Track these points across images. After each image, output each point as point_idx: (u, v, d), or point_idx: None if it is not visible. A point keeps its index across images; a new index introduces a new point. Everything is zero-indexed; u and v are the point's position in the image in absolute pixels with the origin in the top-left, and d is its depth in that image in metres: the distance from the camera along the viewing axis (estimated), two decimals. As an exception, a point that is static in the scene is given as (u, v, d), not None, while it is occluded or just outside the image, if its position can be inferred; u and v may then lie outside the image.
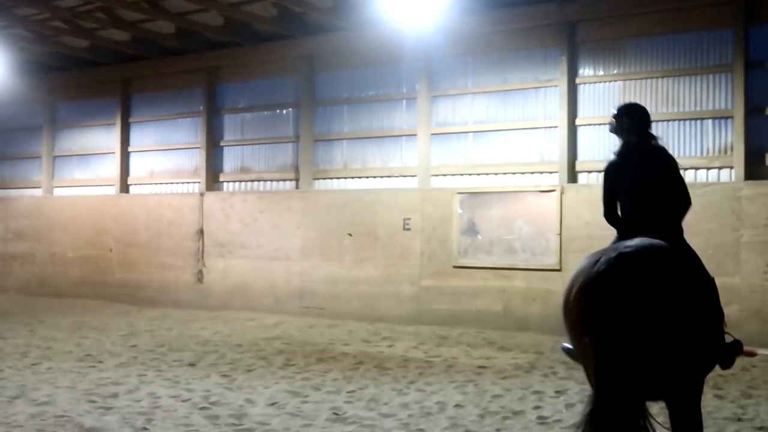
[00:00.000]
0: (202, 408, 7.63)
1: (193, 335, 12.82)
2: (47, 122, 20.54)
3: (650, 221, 5.19)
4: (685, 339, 4.39)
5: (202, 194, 17.26)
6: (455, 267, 13.83)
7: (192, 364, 10.11)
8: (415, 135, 14.97)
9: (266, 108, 17.12)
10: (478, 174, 14.31)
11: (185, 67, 17.89)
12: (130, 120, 19.13)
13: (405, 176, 15.11)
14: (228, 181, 17.61)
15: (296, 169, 16.47)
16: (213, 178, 17.67)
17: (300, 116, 16.42)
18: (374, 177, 15.54)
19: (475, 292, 13.60)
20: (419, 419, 7.23)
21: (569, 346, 5.22)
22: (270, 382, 8.96)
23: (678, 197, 5.43)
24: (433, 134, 14.79)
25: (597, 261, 4.49)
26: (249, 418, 7.23)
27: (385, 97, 15.49)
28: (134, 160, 19.15)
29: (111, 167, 19.36)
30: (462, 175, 14.47)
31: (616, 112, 5.79)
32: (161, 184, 18.62)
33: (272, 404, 7.83)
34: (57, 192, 20.41)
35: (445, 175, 14.65)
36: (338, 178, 16.00)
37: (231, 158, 17.66)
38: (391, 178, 15.33)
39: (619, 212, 5.64)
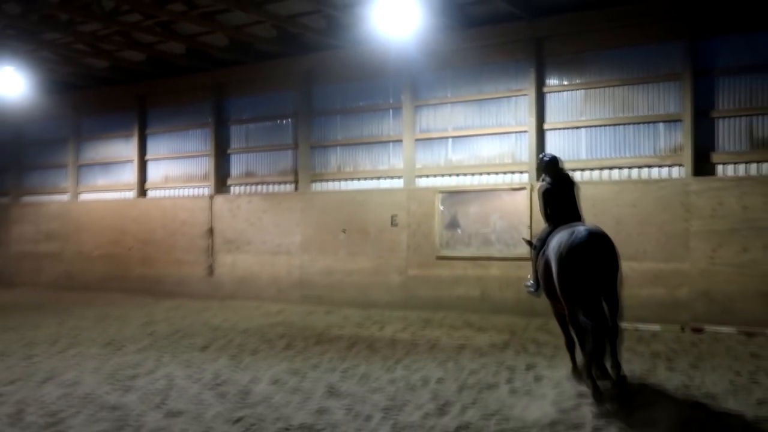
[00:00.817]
0: (213, 386, 7.69)
1: (205, 322, 12.84)
2: (72, 135, 20.52)
3: (569, 216, 8.07)
4: (616, 266, 7.32)
5: (211, 197, 17.29)
6: (438, 258, 13.90)
7: (204, 348, 10.14)
8: (401, 141, 15.04)
9: (268, 118, 17.12)
10: (458, 174, 14.37)
11: (195, 83, 17.90)
12: (147, 131, 19.13)
13: (392, 177, 15.17)
14: (235, 185, 17.61)
15: (295, 173, 16.50)
16: (221, 182, 17.69)
17: (298, 125, 16.45)
18: (365, 179, 15.58)
19: (456, 280, 13.66)
20: (405, 393, 7.31)
21: (531, 286, 8.76)
22: (273, 362, 9.00)
23: (578, 202, 8.35)
24: (417, 140, 14.84)
25: (572, 234, 7.29)
26: (254, 395, 7.29)
27: (373, 107, 15.53)
28: (151, 168, 19.16)
29: (130, 174, 19.38)
30: (443, 175, 14.52)
31: (543, 160, 8.54)
32: (175, 188, 18.63)
33: (275, 382, 7.88)
34: (82, 197, 20.41)
35: (428, 176, 14.70)
36: (333, 180, 16.01)
37: (237, 164, 17.67)
38: (380, 179, 15.38)
39: (549, 212, 8.38)
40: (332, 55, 15.54)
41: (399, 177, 15.02)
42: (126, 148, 19.48)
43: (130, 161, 19.33)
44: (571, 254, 7.14)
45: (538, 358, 9.13)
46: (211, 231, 16.98)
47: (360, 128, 15.69)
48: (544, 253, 7.88)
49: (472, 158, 14.29)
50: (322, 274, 15.29)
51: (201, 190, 18.01)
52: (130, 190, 19.33)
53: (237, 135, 17.65)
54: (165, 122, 18.85)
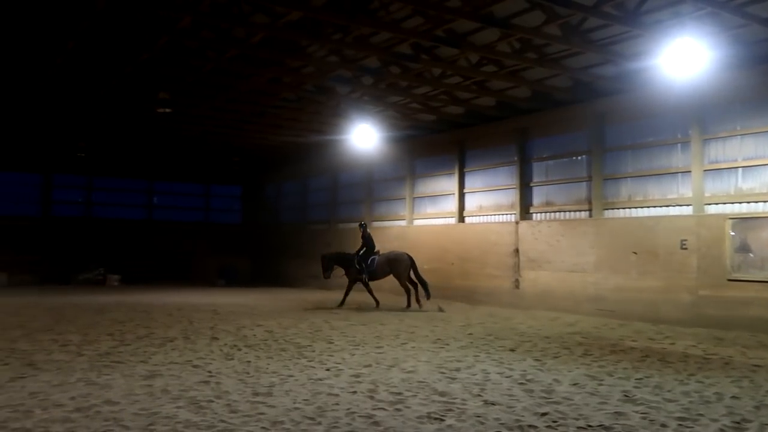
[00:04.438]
0: (521, 383, 7.55)
1: (512, 328, 12.75)
2: (408, 174, 21.85)
3: (373, 249, 16.41)
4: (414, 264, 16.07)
5: (517, 222, 17.31)
6: (729, 280, 12.37)
7: (512, 350, 10.02)
8: (689, 171, 13.76)
9: (564, 155, 16.78)
10: (748, 202, 12.73)
11: (502, 129, 18.17)
12: (465, 169, 19.73)
13: (680, 205, 13.91)
14: (536, 212, 17.47)
15: (589, 202, 15.90)
16: (525, 210, 17.65)
17: (592, 160, 15.88)
18: (653, 207, 14.48)
19: (748, 302, 12.03)
20: (699, 406, 6.54)
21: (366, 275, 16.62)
22: (572, 367, 8.63)
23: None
24: (705, 170, 13.47)
25: (401, 254, 16.41)
26: (556, 394, 7.03)
27: (661, 142, 14.43)
28: (467, 198, 19.68)
29: (452, 204, 20.08)
30: (732, 203, 12.97)
31: (361, 223, 17.20)
32: (487, 215, 18.94)
33: (574, 384, 7.53)
34: (415, 222, 21.56)
35: (716, 203, 13.23)
36: (623, 208, 15.14)
37: (538, 195, 17.52)
38: (669, 207, 14.17)
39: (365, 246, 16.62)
40: (622, 97, 14.83)
41: (687, 205, 13.73)
42: (448, 183, 20.27)
43: (452, 194, 20.04)
44: (407, 260, 15.91)
45: (842, 383, 7.62)
46: (516, 251, 16.98)
47: (649, 161, 14.66)
48: (375, 260, 16.17)
49: (764, 186, 12.56)
50: (614, 291, 14.46)
51: (508, 217, 18.11)
52: (451, 217, 20.03)
53: (538, 170, 17.53)
54: (478, 161, 19.31)
